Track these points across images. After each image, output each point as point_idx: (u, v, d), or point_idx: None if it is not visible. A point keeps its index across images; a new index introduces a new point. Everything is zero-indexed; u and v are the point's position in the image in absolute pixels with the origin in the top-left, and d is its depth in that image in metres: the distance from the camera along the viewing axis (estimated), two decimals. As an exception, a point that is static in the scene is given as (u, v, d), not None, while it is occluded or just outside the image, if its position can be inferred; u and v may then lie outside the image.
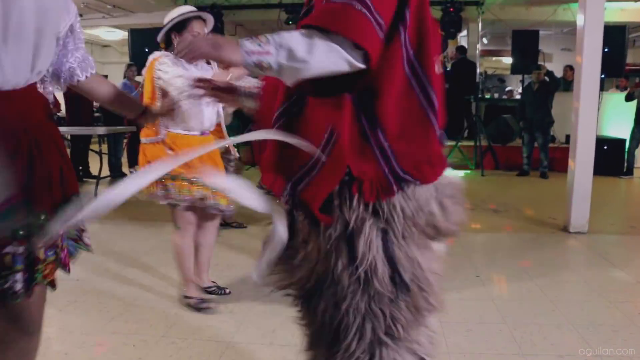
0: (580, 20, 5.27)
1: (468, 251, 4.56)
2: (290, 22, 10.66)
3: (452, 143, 9.50)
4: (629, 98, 9.19)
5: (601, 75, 8.68)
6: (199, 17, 3.13)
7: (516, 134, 9.78)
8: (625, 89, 11.13)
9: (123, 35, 14.10)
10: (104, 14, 12.71)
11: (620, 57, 8.83)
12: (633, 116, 9.01)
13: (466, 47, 11.68)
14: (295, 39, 1.21)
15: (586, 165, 5.23)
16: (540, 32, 10.29)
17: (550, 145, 9.07)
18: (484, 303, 3.39)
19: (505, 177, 8.78)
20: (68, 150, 7.06)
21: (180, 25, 3.08)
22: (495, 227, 5.42)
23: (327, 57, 1.20)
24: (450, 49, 13.23)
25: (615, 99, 10.01)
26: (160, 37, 3.17)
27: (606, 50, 8.20)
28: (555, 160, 8.97)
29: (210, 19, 3.23)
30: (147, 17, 12.70)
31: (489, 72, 15.95)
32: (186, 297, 3.30)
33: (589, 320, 3.12)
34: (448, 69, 11.92)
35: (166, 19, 3.11)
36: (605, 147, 8.91)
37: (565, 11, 11.05)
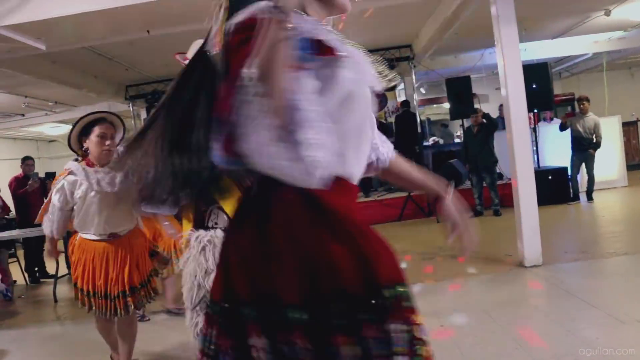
0: (500, 62, 5.59)
1: (431, 301, 4.64)
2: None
3: (405, 194, 9.70)
4: (562, 128, 9.67)
5: (533, 109, 9.17)
6: (104, 120, 3.18)
7: (465, 177, 10.05)
8: (552, 120, 11.75)
9: (67, 129, 14.10)
10: (47, 110, 12.74)
11: (547, 91, 9.32)
12: (569, 144, 9.49)
13: (407, 99, 12.11)
14: None
15: (529, 198, 5.45)
16: (473, 76, 10.78)
17: (499, 182, 9.37)
18: (450, 350, 3.46)
19: (461, 220, 8.96)
20: (22, 252, 6.87)
21: (87, 130, 3.14)
22: (455, 272, 5.53)
23: None
24: (391, 103, 13.69)
25: (552, 130, 10.49)
26: (72, 144, 3.21)
27: (534, 86, 8.69)
28: (506, 197, 9.20)
29: (116, 121, 3.24)
30: (90, 109, 12.75)
31: (432, 119, 16.46)
32: None
33: (552, 353, 3.21)
34: (390, 123, 12.33)
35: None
36: (550, 177, 9.32)
37: (491, 55, 11.64)
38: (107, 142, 3.11)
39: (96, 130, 3.10)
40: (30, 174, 8.22)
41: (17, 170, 8.71)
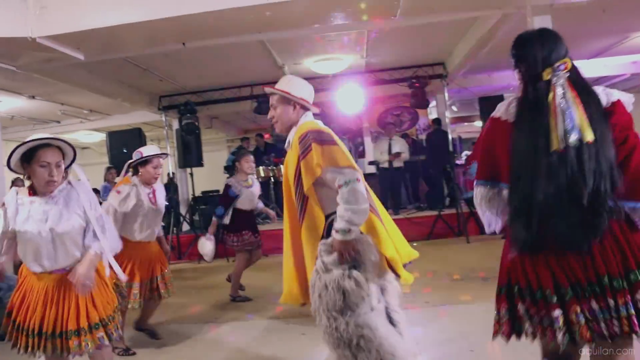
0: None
1: (460, 324, 4.53)
2: (260, 112, 11.04)
3: (435, 213, 9.59)
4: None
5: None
6: (49, 145, 2.80)
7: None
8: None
9: (101, 137, 14.33)
10: (82, 118, 12.97)
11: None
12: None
13: (438, 117, 12.03)
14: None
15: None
16: (506, 95, 10.60)
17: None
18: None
19: (492, 242, 8.72)
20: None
21: (28, 156, 2.77)
22: (486, 296, 5.38)
23: None
24: (423, 121, 13.63)
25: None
26: (14, 168, 2.84)
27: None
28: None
29: (65, 147, 2.86)
30: (123, 119, 13.00)
31: (463, 137, 16.33)
32: None
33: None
34: (420, 140, 12.26)
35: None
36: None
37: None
38: (52, 172, 2.75)
39: (39, 158, 2.75)
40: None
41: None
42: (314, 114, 2.94)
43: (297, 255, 2.79)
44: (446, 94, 11.26)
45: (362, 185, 2.58)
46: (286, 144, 2.90)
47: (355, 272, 2.54)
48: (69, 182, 2.90)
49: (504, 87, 11.83)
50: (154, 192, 4.49)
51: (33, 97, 10.12)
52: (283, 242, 2.90)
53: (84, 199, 2.87)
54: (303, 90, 2.90)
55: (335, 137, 2.69)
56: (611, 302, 1.95)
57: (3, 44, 5.80)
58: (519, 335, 2.19)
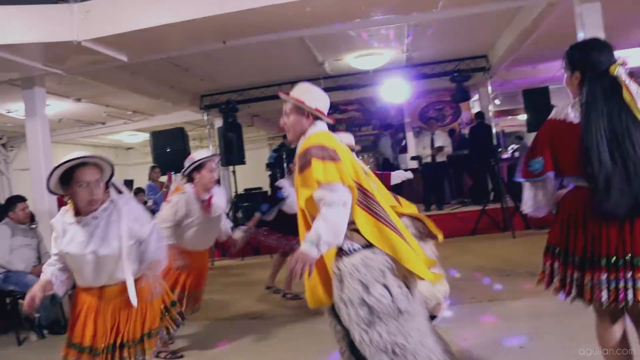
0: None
1: (509, 321, 4.44)
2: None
3: (479, 208, 9.44)
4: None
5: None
6: (85, 163, 2.74)
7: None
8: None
9: (144, 137, 14.60)
10: (126, 119, 13.22)
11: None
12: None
13: (481, 110, 11.82)
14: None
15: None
16: (551, 87, 10.36)
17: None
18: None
19: (538, 236, 8.50)
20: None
21: (66, 177, 2.73)
22: (534, 292, 5.26)
23: None
24: (465, 115, 13.41)
25: None
26: (54, 190, 2.79)
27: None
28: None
29: (100, 162, 2.80)
30: (166, 119, 13.19)
31: (506, 131, 16.02)
32: None
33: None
34: (463, 134, 12.06)
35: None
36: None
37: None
38: (92, 192, 2.73)
39: (77, 178, 2.71)
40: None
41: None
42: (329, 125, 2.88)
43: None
44: (489, 87, 11.06)
45: (347, 211, 2.51)
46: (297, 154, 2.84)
47: (375, 286, 2.53)
48: (112, 201, 2.84)
49: (549, 79, 11.51)
50: (210, 198, 4.34)
51: (79, 100, 10.35)
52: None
53: (127, 221, 2.81)
54: (318, 100, 2.84)
55: (342, 153, 2.64)
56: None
57: (50, 48, 5.94)
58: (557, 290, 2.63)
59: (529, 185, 2.68)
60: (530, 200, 2.70)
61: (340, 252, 2.58)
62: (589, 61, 2.49)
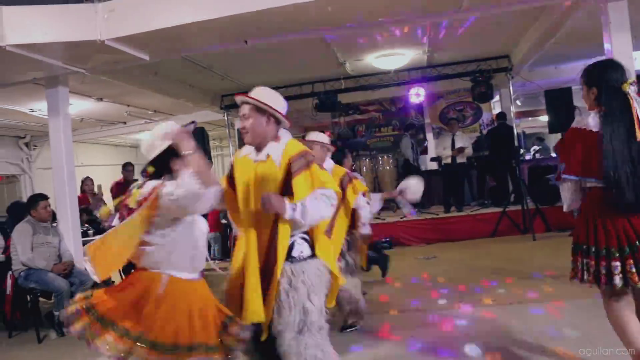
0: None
1: (528, 324, 4.38)
2: (322, 110, 11.18)
3: (499, 210, 9.35)
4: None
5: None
6: None
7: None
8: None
9: (165, 137, 14.63)
10: (146, 119, 13.29)
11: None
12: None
13: (503, 111, 11.71)
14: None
15: None
16: (574, 88, 10.21)
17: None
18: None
19: (559, 239, 8.42)
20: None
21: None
22: (554, 295, 5.19)
23: None
24: (486, 115, 13.30)
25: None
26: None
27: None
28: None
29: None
30: (186, 118, 13.20)
31: (527, 132, 15.86)
32: None
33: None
34: (484, 135, 11.94)
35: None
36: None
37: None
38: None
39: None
40: (130, 180, 8.58)
41: (118, 176, 9.23)
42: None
43: (266, 270, 2.70)
44: (511, 88, 10.95)
45: (330, 212, 2.86)
46: (257, 155, 2.91)
47: (315, 296, 2.70)
48: None
49: (572, 80, 11.35)
50: None
51: (101, 99, 10.43)
52: (244, 257, 2.78)
53: None
54: (277, 103, 2.90)
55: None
56: None
57: (74, 47, 5.99)
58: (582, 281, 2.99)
59: (560, 187, 3.10)
60: (565, 200, 3.12)
61: (291, 257, 2.75)
62: (606, 78, 2.91)
